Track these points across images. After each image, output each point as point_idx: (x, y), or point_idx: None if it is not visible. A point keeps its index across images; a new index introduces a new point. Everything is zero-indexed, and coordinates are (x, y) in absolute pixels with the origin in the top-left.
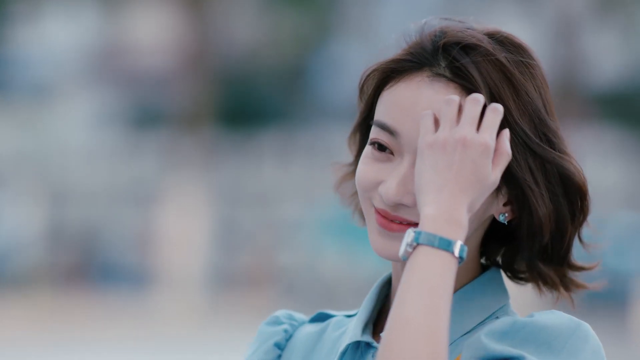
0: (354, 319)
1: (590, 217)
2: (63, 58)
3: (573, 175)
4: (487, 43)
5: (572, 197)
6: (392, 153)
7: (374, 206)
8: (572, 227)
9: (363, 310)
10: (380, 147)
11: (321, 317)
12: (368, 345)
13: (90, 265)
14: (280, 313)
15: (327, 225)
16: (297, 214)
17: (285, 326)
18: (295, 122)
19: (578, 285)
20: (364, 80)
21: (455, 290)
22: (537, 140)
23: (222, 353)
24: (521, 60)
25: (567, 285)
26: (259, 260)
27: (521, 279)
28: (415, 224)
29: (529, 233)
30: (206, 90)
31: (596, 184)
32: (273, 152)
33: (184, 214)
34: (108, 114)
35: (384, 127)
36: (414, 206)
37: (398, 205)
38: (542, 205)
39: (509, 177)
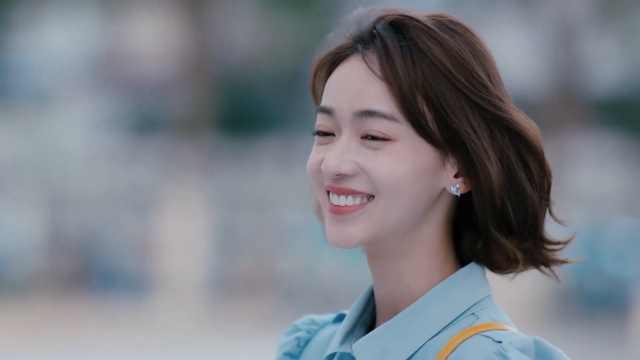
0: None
1: (590, 222)
2: (63, 64)
3: (522, 130)
4: (419, 16)
5: (525, 155)
6: (333, 134)
7: (324, 187)
8: (534, 191)
9: (348, 317)
10: (324, 133)
11: (341, 318)
12: (350, 355)
13: (89, 271)
14: (301, 320)
15: None
16: (296, 220)
17: (300, 333)
18: (294, 128)
19: (555, 261)
20: (313, 80)
21: (427, 290)
22: (477, 92)
23: (221, 358)
24: (455, 30)
25: (540, 260)
26: (258, 266)
27: (499, 268)
28: (361, 193)
29: (481, 199)
30: (206, 96)
31: (595, 190)
32: (272, 158)
33: (183, 219)
34: (108, 120)
35: (322, 110)
36: (354, 175)
37: (341, 177)
38: (488, 162)
39: (451, 137)
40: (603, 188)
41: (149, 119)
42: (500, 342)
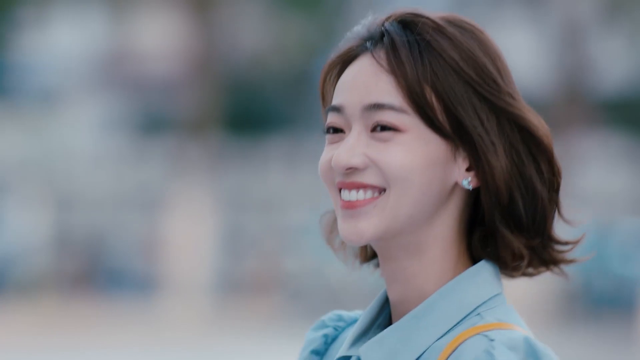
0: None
1: (597, 222)
2: (70, 64)
3: (533, 127)
4: (430, 14)
5: (535, 152)
6: (343, 131)
7: (335, 185)
8: (544, 188)
9: (361, 320)
10: (335, 130)
11: None
12: (358, 358)
13: (96, 271)
14: (328, 315)
15: None
16: (303, 220)
17: (327, 330)
18: (301, 128)
19: (564, 260)
20: (323, 83)
21: (433, 291)
22: (487, 87)
23: (228, 358)
24: (464, 27)
25: (550, 259)
26: (264, 266)
27: (505, 263)
28: (372, 187)
29: (487, 193)
30: (212, 96)
31: (602, 190)
32: (279, 158)
33: (190, 220)
34: (114, 120)
35: (332, 109)
36: (364, 168)
37: (352, 171)
38: (494, 155)
39: (460, 129)
40: (610, 188)
41: (155, 118)
42: (493, 340)
